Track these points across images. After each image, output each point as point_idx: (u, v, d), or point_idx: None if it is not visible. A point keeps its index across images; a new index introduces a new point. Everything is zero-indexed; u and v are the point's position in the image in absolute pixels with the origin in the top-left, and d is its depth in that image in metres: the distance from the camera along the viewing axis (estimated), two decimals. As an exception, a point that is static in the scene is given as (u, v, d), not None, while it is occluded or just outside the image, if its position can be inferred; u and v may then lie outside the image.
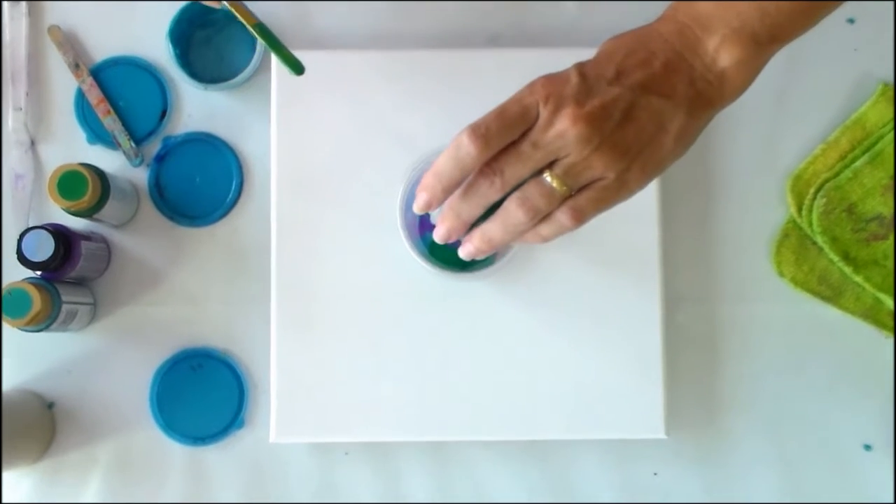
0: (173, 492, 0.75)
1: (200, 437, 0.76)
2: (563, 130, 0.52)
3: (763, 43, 0.54)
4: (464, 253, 0.58)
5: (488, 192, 0.54)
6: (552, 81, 0.53)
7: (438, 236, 0.58)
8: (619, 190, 0.54)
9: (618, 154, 0.52)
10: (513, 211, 0.54)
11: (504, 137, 0.53)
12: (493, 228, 0.56)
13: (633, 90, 0.53)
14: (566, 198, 0.54)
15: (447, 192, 0.55)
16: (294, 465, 0.76)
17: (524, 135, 0.53)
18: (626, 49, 0.54)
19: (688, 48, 0.54)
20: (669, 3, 0.57)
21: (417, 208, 0.56)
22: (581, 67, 0.54)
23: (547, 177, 0.53)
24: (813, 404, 0.77)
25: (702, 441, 0.76)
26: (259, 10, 0.76)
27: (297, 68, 0.63)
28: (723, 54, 0.54)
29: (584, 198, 0.54)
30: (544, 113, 0.52)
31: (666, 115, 0.53)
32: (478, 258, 0.59)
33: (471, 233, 0.57)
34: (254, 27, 0.59)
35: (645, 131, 0.53)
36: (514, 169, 0.53)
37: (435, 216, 0.59)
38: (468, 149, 0.52)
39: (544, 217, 0.54)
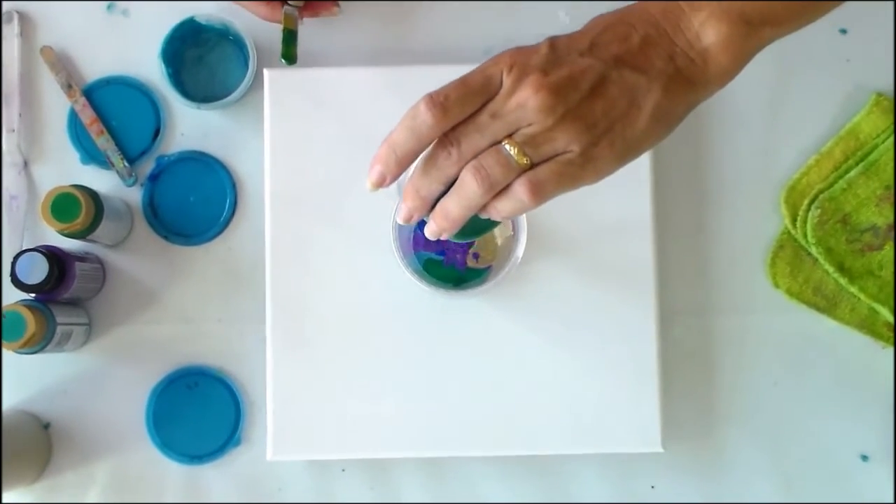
0: (171, 511, 0.76)
1: (197, 456, 0.76)
2: (524, 99, 0.48)
3: (753, 23, 0.51)
4: (428, 232, 0.53)
5: (445, 164, 0.50)
6: (520, 51, 0.50)
7: (401, 217, 0.53)
8: (584, 166, 0.50)
9: (583, 126, 0.49)
10: (468, 182, 0.50)
11: (464, 107, 0.49)
12: (449, 203, 0.51)
13: (606, 62, 0.50)
14: (526, 170, 0.50)
15: (402, 164, 0.51)
16: (291, 482, 0.76)
17: (486, 103, 0.50)
18: (605, 23, 0.52)
19: (670, 23, 0.51)
20: None
21: (371, 183, 0.51)
22: (553, 39, 0.51)
23: (506, 145, 0.49)
24: (809, 415, 0.77)
25: (699, 454, 0.76)
26: (254, 30, 0.76)
27: (291, 60, 0.62)
28: (708, 30, 0.51)
29: (545, 170, 0.50)
30: (507, 81, 0.49)
31: (640, 90, 0.50)
32: (444, 237, 0.54)
33: (433, 211, 0.53)
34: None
35: (616, 105, 0.50)
36: (472, 139, 0.50)
37: None
38: (424, 117, 0.49)
39: (502, 190, 0.50)
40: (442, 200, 0.51)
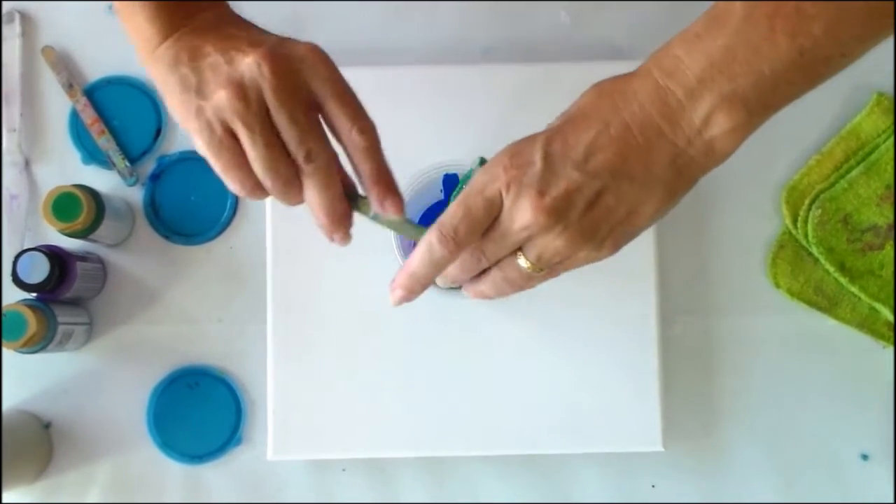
0: (171, 510, 0.76)
1: (198, 455, 0.76)
2: (526, 223, 0.51)
3: (755, 109, 0.50)
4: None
5: (477, 267, 0.55)
6: (515, 163, 0.51)
7: (440, 284, 0.59)
8: (590, 260, 0.54)
9: (584, 238, 0.52)
10: (500, 283, 0.56)
11: (473, 235, 0.53)
12: (485, 289, 0.57)
13: (600, 177, 0.51)
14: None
15: (424, 288, 0.56)
16: (292, 482, 0.76)
17: (494, 223, 0.53)
18: (600, 119, 0.51)
19: (668, 120, 0.50)
20: (649, 50, 0.53)
21: (395, 303, 0.57)
22: (547, 146, 0.51)
23: (521, 262, 0.54)
24: (810, 415, 0.76)
25: (699, 453, 0.76)
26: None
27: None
28: (712, 124, 0.50)
29: (558, 269, 0.55)
30: (507, 203, 0.52)
31: (640, 200, 0.52)
32: None
33: (466, 286, 0.59)
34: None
35: (614, 214, 0.52)
36: (495, 251, 0.54)
37: None
38: (441, 252, 0.53)
39: None
40: (478, 286, 0.57)
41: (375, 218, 0.56)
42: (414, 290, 0.56)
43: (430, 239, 0.53)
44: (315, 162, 0.52)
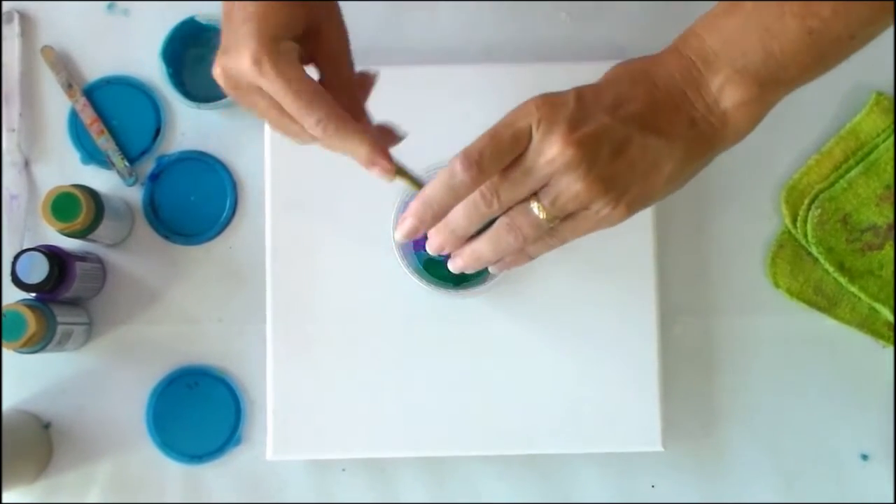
0: (171, 510, 0.76)
1: (197, 455, 0.76)
2: (553, 156, 0.51)
3: (767, 85, 0.53)
4: (453, 266, 0.58)
5: (486, 212, 0.54)
6: (547, 103, 0.52)
7: (432, 248, 0.57)
8: (601, 222, 0.54)
9: (605, 187, 0.52)
10: (503, 235, 0.55)
11: (498, 164, 0.52)
12: (483, 248, 0.56)
13: (629, 124, 0.52)
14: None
15: (437, 218, 0.55)
16: (291, 482, 0.76)
17: (518, 158, 0.52)
18: (630, 78, 0.54)
19: (691, 86, 0.53)
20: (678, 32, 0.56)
21: (402, 234, 0.56)
22: (580, 91, 0.53)
23: (535, 207, 0.53)
24: (810, 415, 0.77)
25: (699, 453, 0.76)
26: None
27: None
28: (725, 95, 0.53)
29: (568, 226, 0.55)
30: (536, 136, 0.52)
31: (661, 155, 0.53)
32: (466, 272, 0.59)
33: (461, 248, 0.57)
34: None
35: (637, 168, 0.52)
36: (510, 193, 0.53)
37: None
38: (462, 177, 0.52)
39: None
40: (474, 244, 0.56)
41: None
42: (425, 218, 0.54)
43: (454, 164, 0.52)
44: (316, 129, 0.54)
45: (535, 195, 0.53)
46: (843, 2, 0.50)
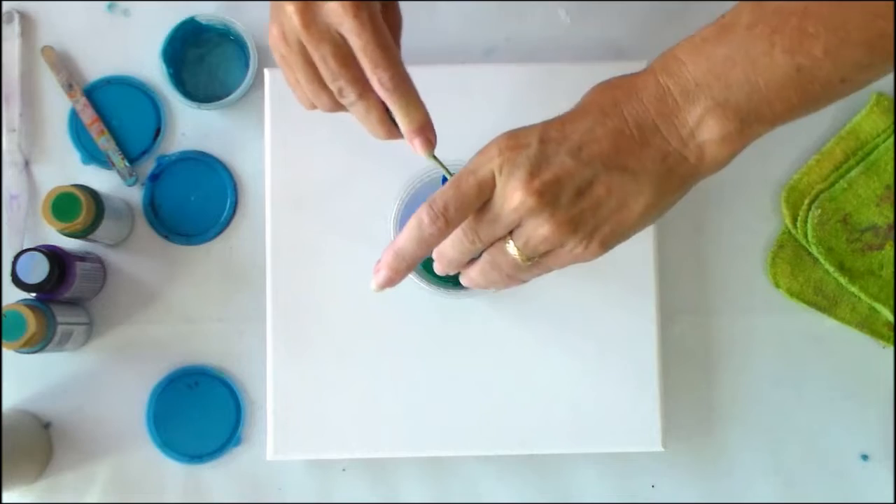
0: (171, 510, 0.76)
1: (197, 455, 0.76)
2: (516, 205, 0.52)
3: (748, 121, 0.51)
4: (461, 281, 0.61)
5: (471, 248, 0.55)
6: (510, 145, 0.52)
7: (437, 272, 0.59)
8: (577, 258, 0.55)
9: (572, 228, 0.52)
10: (489, 271, 0.57)
11: (463, 214, 0.53)
12: (476, 278, 0.58)
13: (593, 165, 0.51)
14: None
15: (411, 268, 0.55)
16: (291, 482, 0.76)
17: (486, 203, 0.53)
18: (600, 111, 0.52)
19: (665, 119, 0.51)
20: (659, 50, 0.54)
21: (378, 286, 0.56)
22: (544, 130, 0.52)
23: (510, 248, 0.54)
24: (810, 415, 0.77)
25: (699, 453, 0.76)
26: (255, 30, 0.77)
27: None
28: (703, 128, 0.51)
29: (548, 261, 0.55)
30: (499, 183, 0.52)
31: (630, 192, 0.52)
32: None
33: (464, 269, 0.59)
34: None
35: (604, 207, 0.52)
36: (486, 233, 0.54)
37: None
38: (430, 229, 0.53)
39: None
40: (469, 272, 0.58)
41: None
42: (399, 270, 0.55)
43: (420, 215, 0.53)
44: (347, 98, 0.55)
45: (510, 234, 0.54)
46: (837, 42, 0.48)
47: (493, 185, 0.52)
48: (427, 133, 0.56)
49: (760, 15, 0.49)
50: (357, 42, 0.53)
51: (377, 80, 0.54)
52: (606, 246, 0.54)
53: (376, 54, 0.53)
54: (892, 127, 0.77)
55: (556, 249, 0.54)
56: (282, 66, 0.57)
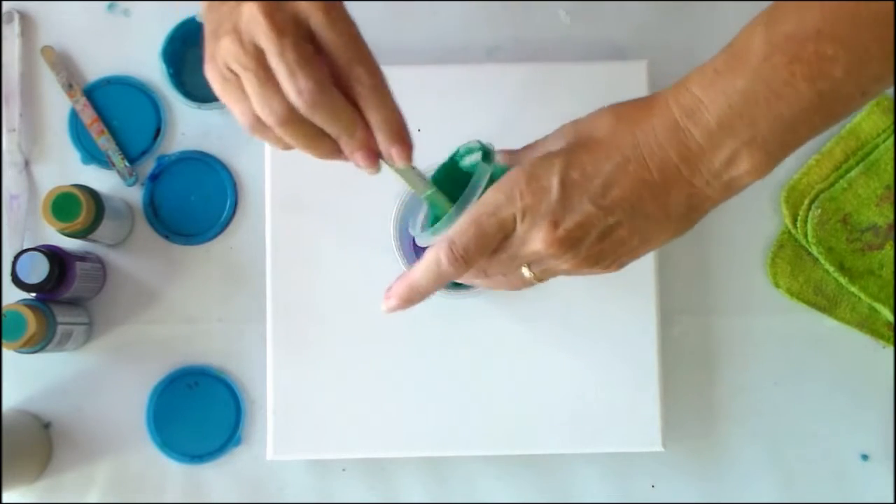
0: (171, 510, 0.76)
1: (197, 455, 0.76)
2: (536, 250, 0.52)
3: (774, 153, 0.50)
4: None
5: (482, 280, 0.57)
6: (532, 189, 0.51)
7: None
8: (593, 274, 0.55)
9: (594, 262, 0.53)
10: (502, 283, 0.57)
11: (482, 255, 0.53)
12: (488, 285, 0.59)
13: (615, 212, 0.51)
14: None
15: (421, 300, 0.56)
16: (291, 481, 0.76)
17: (504, 242, 0.53)
18: (619, 153, 0.51)
19: (687, 163, 0.50)
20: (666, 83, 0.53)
21: (387, 311, 0.57)
22: (565, 172, 0.51)
23: (525, 271, 0.55)
24: (810, 415, 0.77)
25: (699, 453, 0.76)
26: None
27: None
28: (731, 167, 0.50)
29: (559, 275, 0.56)
30: (520, 229, 0.52)
31: (652, 233, 0.52)
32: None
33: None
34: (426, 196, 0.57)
35: (626, 245, 0.53)
36: (499, 269, 0.55)
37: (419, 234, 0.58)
38: (447, 269, 0.53)
39: None
40: (474, 279, 0.58)
41: (386, 161, 0.54)
42: (412, 301, 0.56)
43: (439, 254, 0.53)
44: (303, 98, 0.49)
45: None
46: (857, 61, 0.47)
47: (513, 227, 0.52)
48: (406, 140, 0.53)
49: (775, 43, 0.48)
50: (329, 36, 0.50)
51: (355, 77, 0.50)
52: (623, 266, 0.55)
53: (354, 49, 0.50)
54: (892, 127, 0.77)
55: (574, 274, 0.55)
56: (223, 90, 0.52)
